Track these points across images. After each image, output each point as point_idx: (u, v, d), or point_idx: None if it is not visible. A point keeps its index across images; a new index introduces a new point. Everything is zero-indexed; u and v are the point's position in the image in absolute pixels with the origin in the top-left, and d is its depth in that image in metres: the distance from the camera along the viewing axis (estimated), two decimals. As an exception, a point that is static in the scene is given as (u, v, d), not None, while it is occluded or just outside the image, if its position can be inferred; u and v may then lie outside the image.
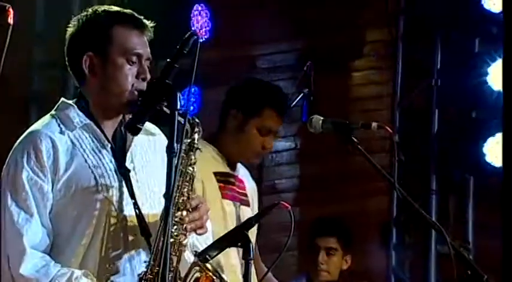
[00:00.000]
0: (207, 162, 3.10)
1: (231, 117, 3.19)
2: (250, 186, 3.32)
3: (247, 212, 3.22)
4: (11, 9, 1.87)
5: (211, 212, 2.99)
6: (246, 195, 3.24)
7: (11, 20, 1.88)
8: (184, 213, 2.30)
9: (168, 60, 2.25)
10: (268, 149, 3.22)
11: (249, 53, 5.72)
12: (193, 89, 4.33)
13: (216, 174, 3.12)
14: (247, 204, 3.23)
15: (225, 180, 3.16)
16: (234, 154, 3.19)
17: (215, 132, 3.26)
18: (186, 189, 2.31)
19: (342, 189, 5.57)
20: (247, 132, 3.17)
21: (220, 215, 3.03)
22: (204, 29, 4.93)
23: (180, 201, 2.30)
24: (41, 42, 5.15)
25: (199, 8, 5.02)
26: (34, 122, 5.44)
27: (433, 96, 5.18)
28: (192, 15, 4.95)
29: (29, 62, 5.11)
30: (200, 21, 5.02)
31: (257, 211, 3.32)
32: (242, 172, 3.30)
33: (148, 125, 2.47)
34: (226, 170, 3.18)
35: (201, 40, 2.25)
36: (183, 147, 2.31)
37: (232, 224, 3.08)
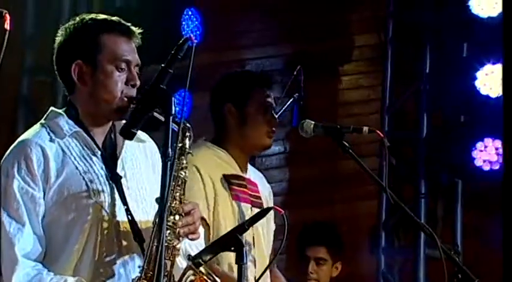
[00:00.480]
0: (216, 165, 3.11)
1: (227, 114, 3.18)
2: (265, 189, 3.30)
3: None
4: (7, 15, 1.86)
5: (224, 213, 2.99)
6: (259, 197, 3.22)
7: (7, 26, 1.87)
8: (177, 217, 2.30)
9: (162, 65, 2.25)
10: (275, 124, 3.21)
11: (238, 58, 5.73)
12: (182, 94, 4.33)
13: (226, 176, 3.11)
14: (260, 206, 3.20)
15: (236, 183, 3.15)
16: (247, 148, 3.18)
17: (216, 137, 3.24)
18: (178, 194, 2.32)
19: (331, 193, 5.58)
20: (249, 119, 3.17)
21: (232, 217, 3.03)
22: (194, 34, 4.93)
23: (173, 205, 2.30)
24: (30, 46, 5.14)
25: (190, 13, 5.03)
26: (22, 126, 5.43)
27: (422, 101, 5.20)
28: (182, 19, 4.96)
29: (18, 66, 5.10)
30: (190, 25, 5.03)
31: (273, 215, 3.30)
32: (254, 175, 3.28)
33: (138, 132, 2.46)
34: (237, 172, 3.17)
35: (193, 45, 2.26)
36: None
37: None
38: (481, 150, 4.94)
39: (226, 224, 3.03)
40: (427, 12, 5.14)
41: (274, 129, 3.22)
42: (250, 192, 3.19)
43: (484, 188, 4.95)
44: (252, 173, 3.28)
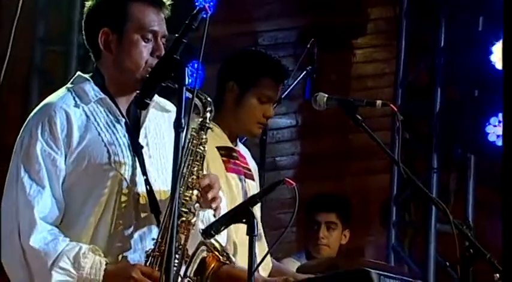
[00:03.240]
0: (209, 137, 3.09)
1: (227, 90, 3.14)
2: (252, 165, 3.31)
3: (253, 186, 3.20)
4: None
5: None
6: (249, 169, 3.23)
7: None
8: (195, 192, 2.29)
9: (176, 35, 2.24)
10: (269, 117, 3.18)
11: (251, 30, 5.70)
12: (195, 65, 4.31)
13: (218, 148, 3.10)
14: (252, 178, 3.21)
15: (228, 154, 3.13)
16: (236, 128, 3.15)
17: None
18: (196, 168, 2.31)
19: (343, 167, 5.58)
20: (246, 103, 3.12)
21: (226, 188, 3.02)
22: (208, 5, 4.90)
23: (190, 180, 2.29)
24: (43, 16, 5.13)
25: (203, -16, 5.00)
26: (35, 96, 5.44)
27: (436, 75, 5.16)
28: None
29: (31, 36, 5.09)
30: (204, -4, 5.00)
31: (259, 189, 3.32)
32: (243, 149, 3.28)
33: (164, 102, 2.47)
34: (228, 144, 3.16)
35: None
36: (194, 126, 2.31)
37: (239, 197, 3.07)
38: (495, 125, 4.91)
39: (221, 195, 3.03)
40: (442, -15, 5.09)
41: (266, 121, 3.18)
42: (241, 164, 3.18)
43: (497, 163, 4.93)
44: (240, 146, 3.26)
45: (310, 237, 4.38)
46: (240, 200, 3.04)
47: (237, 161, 3.16)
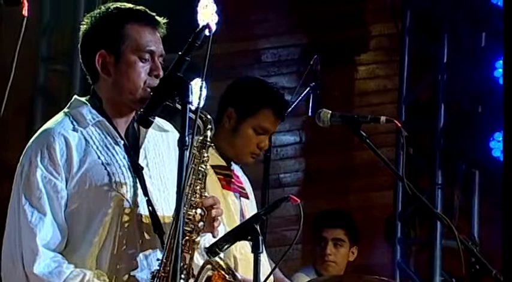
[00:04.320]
0: None
1: (226, 115, 3.17)
2: (247, 185, 3.30)
3: (248, 204, 3.21)
4: (25, 1, 1.85)
5: None
6: (244, 188, 3.24)
7: (25, 12, 1.87)
8: (199, 211, 2.29)
9: (179, 53, 2.24)
10: (263, 149, 3.20)
11: (254, 47, 5.71)
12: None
13: (213, 167, 3.10)
14: (247, 196, 3.22)
15: (224, 174, 3.15)
16: (229, 153, 3.18)
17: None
18: (198, 187, 2.31)
19: (347, 184, 5.57)
20: (242, 133, 3.14)
21: (223, 206, 3.03)
22: (210, 23, 4.91)
23: (193, 199, 2.29)
24: (47, 35, 5.15)
25: (206, 2, 5.01)
26: (39, 115, 5.43)
27: (439, 91, 5.17)
28: (198, 8, 4.95)
29: (34, 55, 5.11)
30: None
31: (255, 205, 3.31)
32: (236, 169, 3.29)
33: (161, 121, 2.47)
34: (223, 164, 3.17)
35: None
36: (195, 144, 2.31)
37: (236, 214, 3.07)
38: (499, 141, 4.91)
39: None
40: (444, 1, 5.10)
41: (260, 153, 3.19)
42: (236, 183, 3.20)
43: (501, 178, 4.91)
44: (234, 166, 3.27)
45: (317, 253, 4.35)
46: (237, 217, 3.04)
47: (232, 180, 3.17)
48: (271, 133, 3.22)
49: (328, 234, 4.33)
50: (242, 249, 2.99)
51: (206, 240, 2.40)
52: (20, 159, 2.37)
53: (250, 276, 2.30)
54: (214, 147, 3.09)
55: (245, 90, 3.21)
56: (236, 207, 3.11)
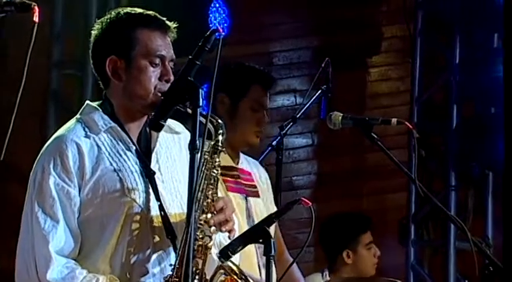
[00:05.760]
0: None
1: (219, 103, 3.16)
2: (261, 176, 3.29)
3: (258, 203, 3.20)
4: (36, 8, 1.87)
5: None
6: (253, 186, 3.22)
7: (36, 18, 1.88)
8: (209, 215, 2.29)
9: (189, 57, 2.24)
10: (264, 125, 3.20)
11: (265, 50, 5.71)
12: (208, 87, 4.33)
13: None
14: (257, 195, 3.21)
15: (229, 174, 3.13)
16: (234, 141, 3.16)
17: None
18: (210, 192, 2.31)
19: (359, 186, 5.56)
20: (239, 114, 3.15)
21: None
22: (221, 26, 4.93)
23: (205, 203, 2.29)
24: (59, 40, 5.18)
25: (217, 5, 5.03)
26: (51, 120, 5.46)
27: (452, 92, 5.15)
28: (210, 12, 4.96)
29: (47, 60, 5.13)
30: (218, 18, 5.03)
31: (273, 200, 3.31)
32: (246, 164, 3.27)
33: (173, 123, 2.46)
34: (229, 163, 3.15)
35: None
36: (207, 149, 2.31)
37: (241, 216, 3.07)
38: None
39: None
40: (456, 2, 5.08)
41: (262, 129, 3.20)
42: (244, 182, 3.18)
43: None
44: (245, 162, 3.26)
45: (366, 259, 4.34)
46: (242, 219, 3.04)
47: (238, 180, 3.16)
48: (267, 109, 3.23)
49: (367, 239, 4.33)
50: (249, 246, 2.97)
51: (217, 239, 2.40)
52: (33, 167, 2.38)
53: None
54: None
55: (231, 74, 3.21)
56: (241, 209, 3.10)
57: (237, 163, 3.21)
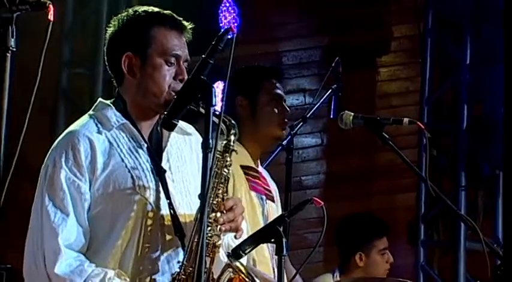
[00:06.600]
0: (233, 157, 3.10)
1: (238, 107, 3.20)
2: (273, 187, 3.32)
3: (273, 207, 3.22)
4: (51, 6, 1.86)
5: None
6: (270, 191, 3.25)
7: (51, 17, 1.88)
8: (219, 214, 2.29)
9: (203, 56, 2.25)
10: (285, 115, 3.23)
11: (274, 49, 5.71)
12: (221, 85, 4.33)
13: (243, 167, 3.12)
14: (272, 199, 3.23)
15: (251, 174, 3.15)
16: (259, 141, 3.19)
17: None
18: (220, 191, 2.31)
19: (369, 186, 5.55)
20: (261, 111, 3.19)
21: (249, 207, 3.03)
22: (233, 26, 4.93)
23: (215, 202, 2.29)
24: (69, 39, 5.19)
25: (227, 5, 5.03)
26: (62, 118, 5.48)
27: (462, 92, 5.14)
28: (220, 11, 4.97)
29: (57, 59, 5.15)
30: (228, 17, 5.03)
31: (281, 210, 3.31)
32: (264, 171, 3.31)
33: (184, 125, 2.47)
34: (251, 164, 3.18)
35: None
36: (219, 149, 2.31)
37: (261, 216, 3.08)
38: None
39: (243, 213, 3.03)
40: (467, 1, 5.07)
41: (286, 120, 3.23)
42: (263, 185, 3.21)
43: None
44: (261, 168, 3.29)
45: (378, 262, 4.31)
46: (260, 219, 3.04)
47: (258, 181, 3.18)
48: (284, 99, 3.26)
49: (383, 244, 4.28)
50: (264, 253, 2.99)
51: (225, 240, 2.40)
52: (45, 161, 2.38)
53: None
54: (243, 146, 3.12)
55: (241, 76, 3.25)
56: (259, 209, 3.11)
57: (257, 166, 3.23)
